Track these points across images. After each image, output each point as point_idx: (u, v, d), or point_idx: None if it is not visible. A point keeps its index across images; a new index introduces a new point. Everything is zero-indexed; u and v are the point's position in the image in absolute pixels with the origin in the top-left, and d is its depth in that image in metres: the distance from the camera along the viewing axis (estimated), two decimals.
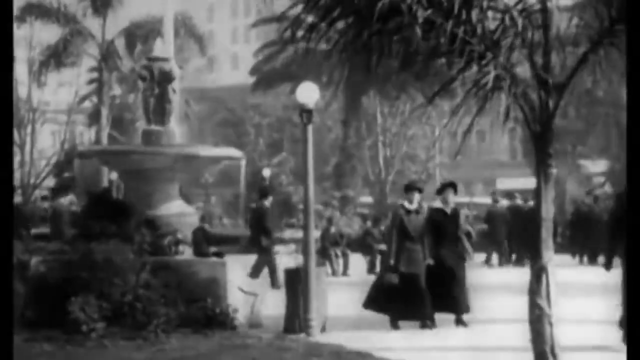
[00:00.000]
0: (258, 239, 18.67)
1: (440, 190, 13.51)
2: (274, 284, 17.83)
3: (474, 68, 7.25)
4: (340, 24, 7.27)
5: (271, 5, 43.10)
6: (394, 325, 12.67)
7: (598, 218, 24.37)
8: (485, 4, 7.24)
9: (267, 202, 19.27)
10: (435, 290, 12.62)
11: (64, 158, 43.68)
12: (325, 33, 7.28)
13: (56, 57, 36.27)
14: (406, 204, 12.98)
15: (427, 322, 12.60)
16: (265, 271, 17.67)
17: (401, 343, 11.38)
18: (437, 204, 13.39)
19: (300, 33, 7.25)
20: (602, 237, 21.11)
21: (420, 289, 12.59)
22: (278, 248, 18.80)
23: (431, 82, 7.69)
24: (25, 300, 11.63)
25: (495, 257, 24.87)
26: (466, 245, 13.22)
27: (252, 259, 17.38)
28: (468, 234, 13.58)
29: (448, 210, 13.18)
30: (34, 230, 21.12)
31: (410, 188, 13.33)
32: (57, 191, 27.96)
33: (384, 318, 12.70)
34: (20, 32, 37.41)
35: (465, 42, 7.15)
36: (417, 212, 12.96)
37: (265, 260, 18.23)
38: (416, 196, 13.04)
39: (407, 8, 6.96)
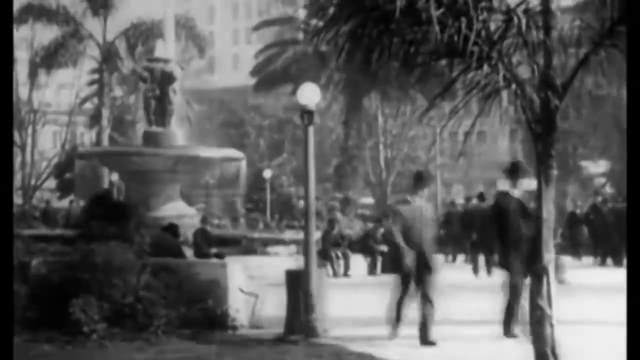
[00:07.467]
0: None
1: None
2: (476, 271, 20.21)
3: (475, 69, 7.24)
4: (345, 27, 7.22)
5: (272, 7, 43.11)
6: None
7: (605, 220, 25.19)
8: (487, 5, 7.23)
9: (485, 204, 21.23)
10: None
11: (65, 159, 43.69)
12: (330, 34, 7.23)
13: (51, 57, 36.28)
14: None
15: None
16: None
17: None
18: None
19: (301, 36, 7.25)
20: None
21: None
22: (278, 249, 18.78)
23: (431, 83, 7.67)
24: (26, 301, 11.62)
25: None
26: None
27: (252, 260, 17.33)
28: None
29: None
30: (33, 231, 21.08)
31: None
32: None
33: (383, 318, 12.62)
34: (20, 33, 37.44)
35: (473, 43, 7.13)
36: None
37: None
38: None
39: (424, 7, 6.95)
